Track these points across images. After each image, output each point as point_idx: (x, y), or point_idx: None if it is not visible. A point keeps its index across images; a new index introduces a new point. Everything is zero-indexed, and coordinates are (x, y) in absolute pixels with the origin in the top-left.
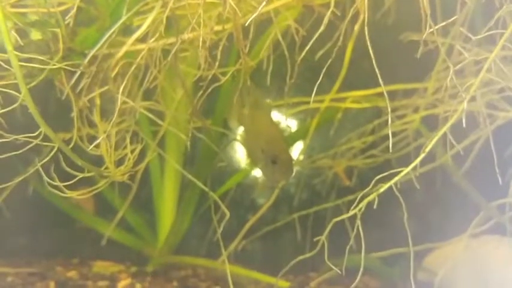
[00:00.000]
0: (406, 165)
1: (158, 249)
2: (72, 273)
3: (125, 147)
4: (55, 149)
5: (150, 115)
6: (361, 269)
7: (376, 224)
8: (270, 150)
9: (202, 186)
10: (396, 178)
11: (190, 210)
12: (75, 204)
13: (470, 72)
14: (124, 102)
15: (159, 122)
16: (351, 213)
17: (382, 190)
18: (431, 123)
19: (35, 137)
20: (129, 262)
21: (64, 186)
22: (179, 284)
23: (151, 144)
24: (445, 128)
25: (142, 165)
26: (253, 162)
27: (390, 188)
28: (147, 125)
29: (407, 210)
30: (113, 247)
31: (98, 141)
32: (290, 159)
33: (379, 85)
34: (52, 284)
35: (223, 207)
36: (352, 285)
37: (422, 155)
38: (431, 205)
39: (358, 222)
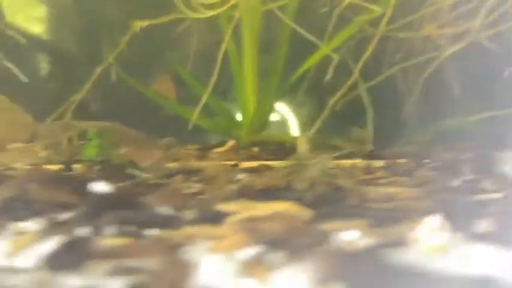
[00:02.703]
0: None
1: (244, 131)
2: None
3: None
4: None
5: None
6: None
7: None
8: None
9: None
10: None
11: (271, 95)
12: (159, 92)
13: None
14: None
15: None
16: None
17: None
18: None
19: None
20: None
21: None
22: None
23: (226, 29)
24: None
25: (220, 52)
26: None
27: None
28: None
29: None
30: (197, 134)
31: None
32: None
33: None
34: None
35: None
36: None
37: None
38: None
39: None
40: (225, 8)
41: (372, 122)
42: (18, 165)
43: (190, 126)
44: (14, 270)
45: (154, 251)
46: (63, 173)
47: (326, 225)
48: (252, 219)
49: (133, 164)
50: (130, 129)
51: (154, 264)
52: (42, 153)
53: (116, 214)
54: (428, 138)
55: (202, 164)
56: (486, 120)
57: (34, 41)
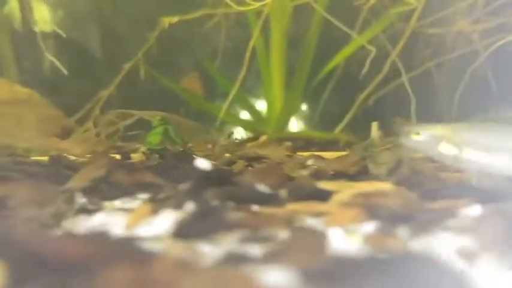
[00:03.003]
0: None
1: (270, 128)
2: None
3: None
4: None
5: None
6: None
7: None
8: None
9: None
10: None
11: (298, 94)
12: (186, 89)
13: None
14: None
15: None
16: None
17: None
18: None
19: None
20: None
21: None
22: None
23: (255, 25)
24: None
25: (249, 48)
26: None
27: None
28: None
29: None
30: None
31: None
32: None
33: None
34: None
35: None
36: None
37: None
38: None
39: None
40: (257, 5)
41: (415, 113)
42: (78, 152)
43: (217, 122)
44: (148, 239)
45: (277, 223)
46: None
47: (435, 204)
48: (365, 195)
49: (192, 152)
50: (185, 119)
51: (284, 234)
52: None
53: (218, 190)
54: None
55: (262, 152)
56: None
57: (58, 38)
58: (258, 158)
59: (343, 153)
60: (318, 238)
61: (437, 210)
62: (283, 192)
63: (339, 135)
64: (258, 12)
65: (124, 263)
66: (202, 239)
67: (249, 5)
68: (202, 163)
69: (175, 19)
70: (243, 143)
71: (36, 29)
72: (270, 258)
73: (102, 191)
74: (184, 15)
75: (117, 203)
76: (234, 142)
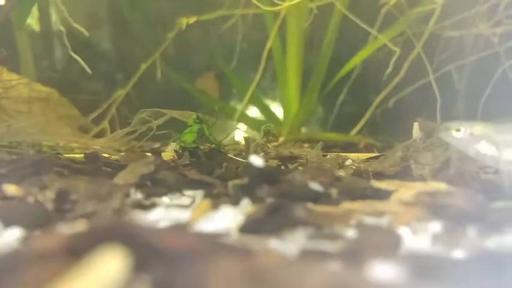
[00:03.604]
0: None
1: (286, 129)
2: None
3: None
4: None
5: None
6: None
7: None
8: None
9: None
10: None
11: (314, 96)
12: (202, 89)
13: None
14: None
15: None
16: None
17: None
18: None
19: None
20: None
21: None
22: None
23: (271, 27)
24: None
25: (265, 50)
26: None
27: None
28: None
29: None
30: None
31: None
32: None
33: None
34: None
35: None
36: None
37: None
38: None
39: None
40: (276, 8)
41: (440, 113)
42: (111, 150)
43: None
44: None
45: (337, 221)
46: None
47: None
48: (428, 194)
49: (225, 151)
50: (219, 119)
51: (351, 232)
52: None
53: (272, 188)
54: None
55: (294, 152)
56: None
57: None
58: (293, 158)
59: (370, 154)
60: (391, 237)
61: (504, 210)
62: (334, 191)
63: (357, 138)
64: (276, 14)
65: (227, 256)
66: (271, 235)
67: (269, 4)
68: (256, 160)
69: (193, 19)
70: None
71: (55, 28)
72: (348, 256)
73: (148, 188)
74: (201, 15)
75: (165, 199)
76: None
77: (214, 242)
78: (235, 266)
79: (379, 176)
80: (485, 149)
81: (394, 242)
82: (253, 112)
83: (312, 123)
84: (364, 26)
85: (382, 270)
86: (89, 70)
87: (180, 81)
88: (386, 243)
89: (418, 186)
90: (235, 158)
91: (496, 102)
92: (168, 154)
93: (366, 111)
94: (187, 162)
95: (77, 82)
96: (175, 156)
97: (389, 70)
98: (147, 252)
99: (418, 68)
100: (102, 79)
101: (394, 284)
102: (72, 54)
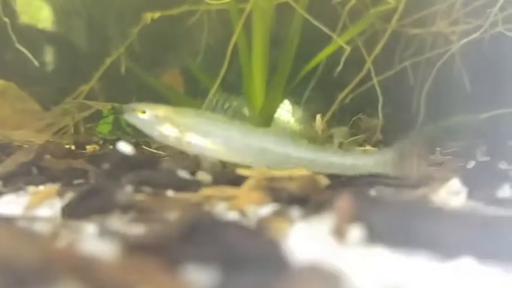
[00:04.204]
0: None
1: (251, 123)
2: None
3: None
4: None
5: None
6: None
7: None
8: None
9: None
10: None
11: (280, 90)
12: (167, 85)
13: None
14: None
15: None
16: None
17: None
18: None
19: None
20: None
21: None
22: None
23: (237, 23)
24: None
25: (230, 45)
26: None
27: None
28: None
29: None
30: None
31: None
32: None
33: None
34: None
35: None
36: None
37: None
38: None
39: None
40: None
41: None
42: (33, 140)
43: None
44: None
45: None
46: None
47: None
48: (269, 179)
49: (146, 144)
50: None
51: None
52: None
53: (136, 175)
54: (437, 133)
55: None
56: (496, 118)
57: (41, 33)
58: None
59: None
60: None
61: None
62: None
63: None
64: (241, 10)
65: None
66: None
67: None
68: (124, 146)
69: (157, 14)
70: None
71: (20, 21)
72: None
73: (30, 176)
74: (166, 10)
75: (42, 187)
76: None
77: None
78: None
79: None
80: (168, 130)
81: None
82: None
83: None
84: (322, 27)
85: None
86: (36, 62)
87: (144, 76)
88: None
89: (275, 173)
90: (148, 148)
91: (447, 99)
92: (91, 147)
93: (330, 107)
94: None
95: (41, 76)
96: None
97: (339, 68)
98: None
99: (382, 65)
100: (70, 73)
101: None
102: (19, 46)
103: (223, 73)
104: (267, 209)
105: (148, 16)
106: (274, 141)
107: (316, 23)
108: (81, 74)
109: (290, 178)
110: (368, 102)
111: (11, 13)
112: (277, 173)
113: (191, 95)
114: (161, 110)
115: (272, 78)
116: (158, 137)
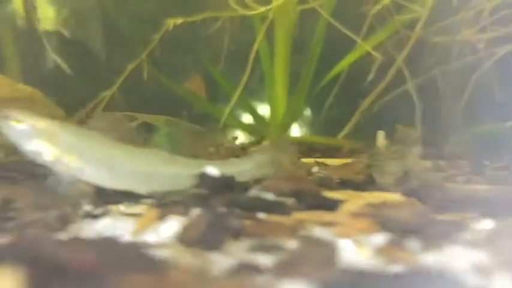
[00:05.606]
0: None
1: (272, 132)
2: None
3: None
4: None
5: None
6: None
7: None
8: None
9: None
10: None
11: (302, 98)
12: (190, 91)
13: None
14: None
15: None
16: None
17: None
18: None
19: None
20: None
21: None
22: None
23: (259, 29)
24: None
25: (252, 52)
26: None
27: None
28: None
29: None
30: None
31: None
32: None
33: None
34: None
35: None
36: None
37: None
38: None
39: None
40: (262, 9)
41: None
42: None
43: (220, 125)
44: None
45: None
46: None
47: (446, 216)
48: (374, 206)
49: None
50: (188, 123)
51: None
52: None
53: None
54: (466, 140)
55: None
56: None
57: (62, 38)
58: None
59: (347, 160)
60: (328, 249)
61: (449, 223)
62: (289, 201)
63: (341, 142)
64: (263, 17)
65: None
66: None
67: (253, 9)
68: (212, 170)
69: (179, 20)
70: (246, 146)
71: (40, 27)
72: (281, 269)
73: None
74: (188, 17)
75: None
76: (237, 146)
77: (121, 257)
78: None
79: (343, 184)
80: (45, 147)
81: (330, 255)
82: (242, 114)
83: (300, 126)
84: (348, 33)
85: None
86: (68, 70)
87: (167, 83)
88: (322, 256)
89: (369, 197)
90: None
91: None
92: None
93: (353, 115)
94: None
95: (63, 83)
96: None
97: (371, 76)
98: (48, 269)
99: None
100: (89, 79)
101: None
102: (51, 54)
103: (245, 79)
104: (378, 238)
105: (171, 22)
106: (159, 162)
107: (343, 29)
108: (100, 80)
109: (394, 205)
110: (397, 111)
111: (31, 20)
112: (372, 198)
113: (213, 102)
114: (41, 123)
115: (294, 84)
116: (31, 153)
